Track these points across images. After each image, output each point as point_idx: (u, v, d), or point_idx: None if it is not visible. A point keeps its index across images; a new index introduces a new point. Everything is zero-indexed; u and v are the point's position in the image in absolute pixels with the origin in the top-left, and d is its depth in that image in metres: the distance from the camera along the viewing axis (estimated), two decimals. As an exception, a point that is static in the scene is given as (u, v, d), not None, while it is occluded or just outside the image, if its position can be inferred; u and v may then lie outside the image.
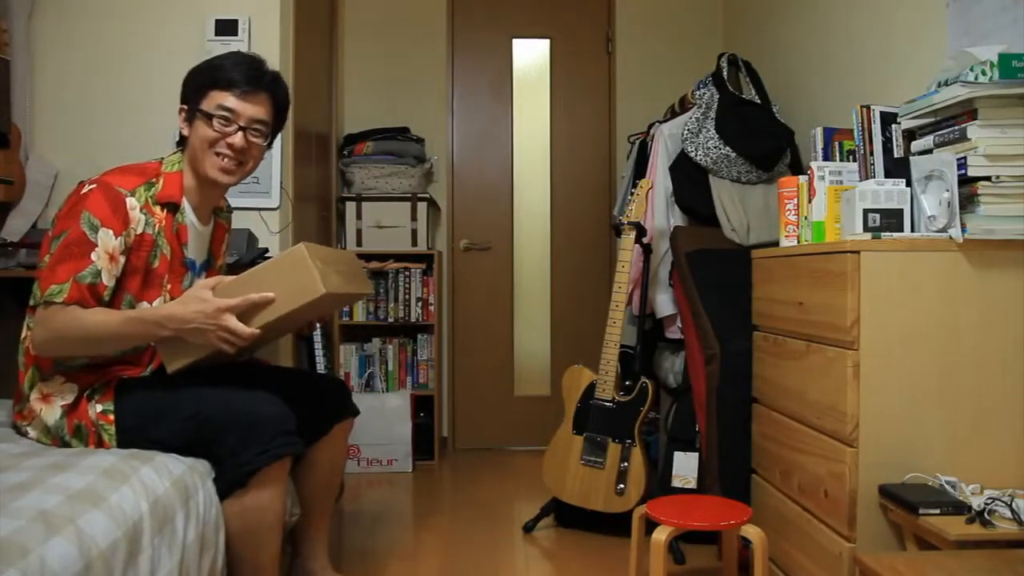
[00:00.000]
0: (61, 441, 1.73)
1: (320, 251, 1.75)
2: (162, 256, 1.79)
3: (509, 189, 4.17)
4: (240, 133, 1.80)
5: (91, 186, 1.71)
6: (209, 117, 1.78)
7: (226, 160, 1.81)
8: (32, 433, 1.76)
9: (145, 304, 1.76)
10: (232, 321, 1.63)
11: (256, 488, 1.68)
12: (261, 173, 2.83)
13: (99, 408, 1.73)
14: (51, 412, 1.73)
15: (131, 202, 1.71)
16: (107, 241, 1.67)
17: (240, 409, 1.69)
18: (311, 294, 1.66)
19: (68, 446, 1.72)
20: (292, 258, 1.68)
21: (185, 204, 1.84)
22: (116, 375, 1.77)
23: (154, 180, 1.78)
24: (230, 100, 1.79)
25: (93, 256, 1.65)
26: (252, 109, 1.82)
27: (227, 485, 1.69)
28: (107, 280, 1.68)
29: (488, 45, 4.15)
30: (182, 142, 1.86)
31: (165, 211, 1.79)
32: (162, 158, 1.85)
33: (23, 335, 1.78)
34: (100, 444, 1.72)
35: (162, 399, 1.73)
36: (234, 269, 2.48)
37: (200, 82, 1.81)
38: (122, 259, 1.71)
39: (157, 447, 1.69)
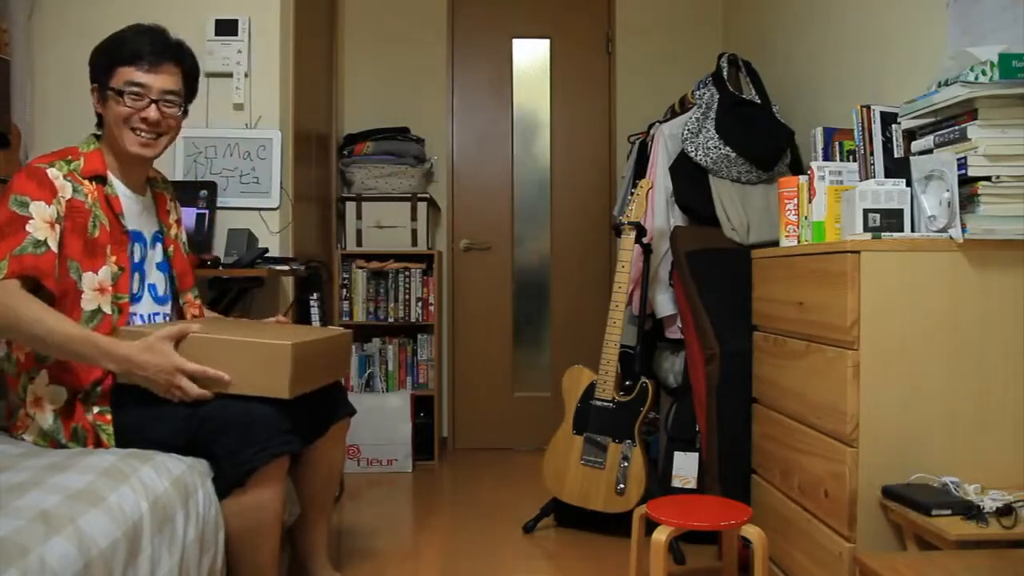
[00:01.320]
0: (58, 444, 1.73)
1: (309, 348, 1.76)
2: (101, 227, 1.79)
3: (509, 189, 4.17)
4: (153, 106, 1.82)
5: (14, 176, 1.75)
6: (120, 94, 1.80)
7: (143, 135, 1.83)
8: (28, 439, 1.76)
9: (91, 275, 1.76)
10: (185, 382, 1.66)
11: (254, 487, 1.68)
12: (261, 173, 2.84)
13: (96, 410, 1.73)
14: (44, 417, 1.73)
15: (52, 172, 1.74)
16: (41, 211, 1.69)
17: (237, 409, 1.69)
18: (274, 393, 1.69)
19: (66, 449, 1.72)
20: (275, 353, 1.69)
21: (111, 177, 1.86)
22: (110, 376, 1.77)
23: (70, 158, 1.80)
24: (138, 75, 1.81)
25: (29, 227, 1.67)
26: (161, 80, 1.83)
27: (225, 484, 1.69)
28: (53, 246, 1.69)
29: (488, 45, 4.15)
30: (100, 127, 1.88)
31: (94, 184, 1.81)
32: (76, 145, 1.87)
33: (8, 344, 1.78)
34: (99, 445, 1.72)
35: (159, 399, 1.73)
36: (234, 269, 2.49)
37: (106, 59, 1.83)
38: (58, 227, 1.72)
39: (155, 447, 1.68)
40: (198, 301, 2.08)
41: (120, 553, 1.32)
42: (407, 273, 3.76)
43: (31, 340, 1.68)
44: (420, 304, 3.77)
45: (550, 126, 4.17)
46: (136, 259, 1.88)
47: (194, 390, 1.66)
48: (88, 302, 1.76)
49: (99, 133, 1.89)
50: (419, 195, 3.74)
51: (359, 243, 3.74)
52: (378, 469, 3.62)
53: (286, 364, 1.68)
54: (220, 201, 2.78)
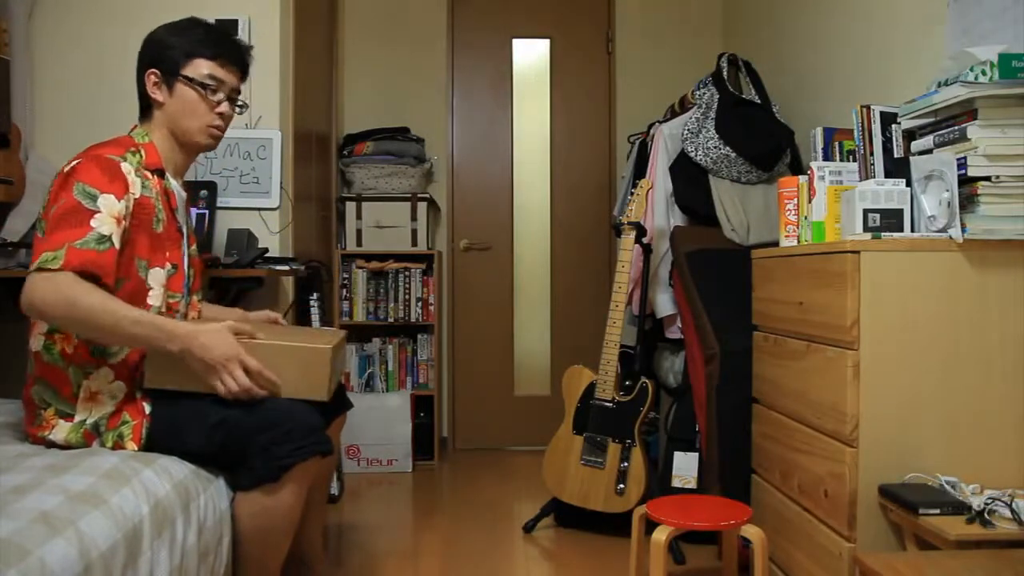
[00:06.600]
0: (97, 433, 1.67)
1: (337, 350, 1.80)
2: (163, 221, 1.76)
3: (509, 189, 4.17)
4: (227, 103, 1.85)
5: (76, 161, 1.65)
6: (203, 85, 1.80)
7: (214, 129, 1.84)
8: (57, 437, 1.67)
9: (158, 270, 1.73)
10: (240, 372, 1.63)
11: (284, 485, 1.64)
12: (261, 173, 2.84)
13: (147, 409, 1.70)
14: (99, 409, 1.67)
15: (126, 166, 1.68)
16: (111, 206, 1.61)
17: (271, 408, 1.66)
18: (314, 395, 1.71)
19: (100, 440, 1.67)
20: (314, 357, 1.71)
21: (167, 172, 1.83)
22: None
23: (133, 149, 1.75)
24: (217, 70, 1.81)
25: (94, 223, 1.58)
26: (233, 79, 1.86)
27: (256, 480, 1.65)
28: (117, 243, 1.62)
29: (488, 45, 4.15)
30: (146, 113, 1.83)
31: (155, 176, 1.77)
32: (128, 133, 1.82)
33: (37, 345, 1.69)
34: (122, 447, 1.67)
35: (190, 406, 1.68)
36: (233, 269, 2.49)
37: (183, 47, 1.80)
38: (125, 223, 1.65)
39: (188, 458, 1.66)
40: (200, 305, 2.05)
41: (120, 555, 1.32)
42: (407, 273, 3.76)
43: (92, 329, 1.59)
44: (420, 304, 3.77)
45: (550, 126, 4.17)
46: (180, 254, 1.84)
47: (245, 381, 1.62)
48: (154, 298, 1.73)
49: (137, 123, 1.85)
50: (419, 195, 3.74)
51: (359, 243, 3.74)
52: (378, 469, 3.62)
53: (324, 366, 1.68)
54: (220, 201, 2.78)
